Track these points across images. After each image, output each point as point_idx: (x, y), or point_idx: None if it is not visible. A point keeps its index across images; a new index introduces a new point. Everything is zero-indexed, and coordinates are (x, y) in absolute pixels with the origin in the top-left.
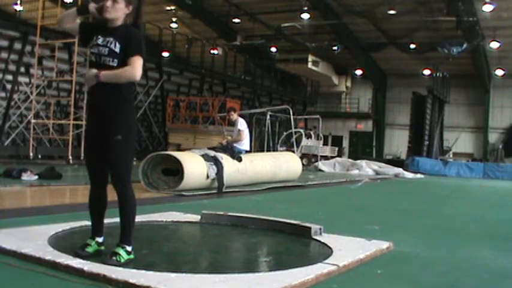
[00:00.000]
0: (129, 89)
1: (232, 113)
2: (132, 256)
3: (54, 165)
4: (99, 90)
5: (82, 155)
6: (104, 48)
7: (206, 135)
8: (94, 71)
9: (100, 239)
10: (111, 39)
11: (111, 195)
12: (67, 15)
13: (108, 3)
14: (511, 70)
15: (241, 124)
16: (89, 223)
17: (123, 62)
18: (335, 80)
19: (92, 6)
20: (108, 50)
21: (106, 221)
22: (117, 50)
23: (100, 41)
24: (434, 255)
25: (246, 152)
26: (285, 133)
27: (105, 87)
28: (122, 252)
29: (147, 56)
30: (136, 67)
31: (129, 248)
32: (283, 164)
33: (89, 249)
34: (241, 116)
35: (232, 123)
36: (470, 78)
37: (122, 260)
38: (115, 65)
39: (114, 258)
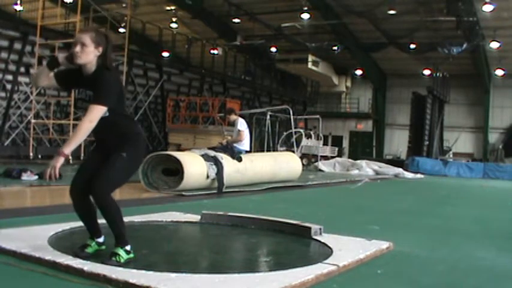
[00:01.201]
0: (129, 126)
1: (228, 116)
2: (132, 255)
3: None
4: (100, 135)
5: (82, 155)
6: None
7: (206, 135)
8: (57, 162)
9: (100, 239)
10: (92, 92)
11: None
12: (39, 74)
13: (77, 49)
14: (511, 70)
15: (241, 124)
16: None
17: (113, 110)
18: (335, 80)
19: (61, 57)
20: None
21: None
22: None
23: (86, 95)
24: (434, 255)
25: (246, 152)
26: (285, 133)
27: (104, 132)
28: (121, 252)
29: (147, 56)
30: (89, 116)
31: (127, 247)
32: (283, 164)
33: (89, 250)
34: (241, 116)
35: (232, 124)
36: (470, 78)
37: (122, 260)
38: (106, 115)
39: (113, 258)
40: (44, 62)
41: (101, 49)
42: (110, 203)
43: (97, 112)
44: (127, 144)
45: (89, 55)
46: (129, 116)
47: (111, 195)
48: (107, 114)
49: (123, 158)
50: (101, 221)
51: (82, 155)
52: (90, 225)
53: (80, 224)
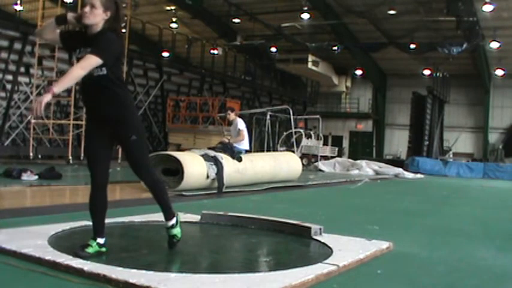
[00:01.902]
0: (124, 94)
1: (230, 112)
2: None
3: (54, 165)
4: (95, 102)
5: (82, 155)
6: None
7: (206, 135)
8: (44, 98)
9: (101, 240)
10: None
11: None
12: (46, 26)
13: (86, 9)
14: (511, 70)
15: (241, 124)
16: (89, 223)
17: (111, 70)
18: (335, 80)
19: (71, 15)
20: None
21: (106, 221)
22: None
23: (83, 53)
24: (434, 255)
25: (246, 151)
26: (285, 133)
27: (100, 99)
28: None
29: (147, 56)
30: (82, 63)
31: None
32: (283, 164)
33: (89, 250)
34: (240, 116)
35: (230, 123)
36: (470, 78)
37: (178, 233)
38: (104, 73)
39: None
40: (52, 19)
41: (109, 13)
42: (159, 180)
43: (91, 61)
44: (127, 125)
45: (96, 17)
46: (124, 83)
47: (157, 174)
48: (104, 71)
49: (136, 140)
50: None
51: (82, 155)
52: (97, 222)
53: (80, 223)
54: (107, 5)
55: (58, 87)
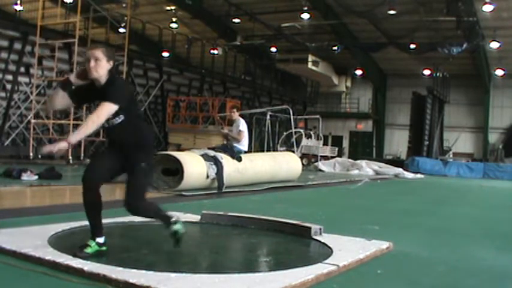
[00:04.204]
0: (146, 136)
1: (235, 111)
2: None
3: (54, 165)
4: (118, 139)
5: (82, 155)
6: None
7: (206, 135)
8: (60, 145)
9: (101, 239)
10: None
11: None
12: (55, 97)
13: (92, 64)
14: (511, 70)
15: (242, 125)
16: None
17: (127, 112)
18: (335, 80)
19: (73, 77)
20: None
21: (106, 221)
22: None
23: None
24: (435, 256)
25: (245, 152)
26: (285, 133)
27: (122, 137)
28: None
29: (147, 56)
30: (98, 111)
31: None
32: (283, 164)
33: (88, 250)
34: (241, 116)
35: (231, 122)
36: (470, 78)
37: (180, 232)
38: (122, 119)
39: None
40: (57, 87)
41: (111, 62)
42: (146, 211)
43: (106, 108)
44: (143, 152)
45: (102, 69)
46: (143, 118)
47: (145, 201)
48: (122, 117)
49: (143, 168)
50: (105, 220)
51: (82, 155)
52: (94, 222)
53: (80, 223)
54: (109, 54)
55: (74, 138)
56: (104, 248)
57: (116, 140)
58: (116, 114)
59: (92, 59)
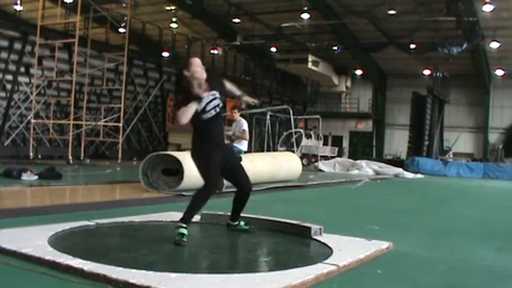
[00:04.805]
0: (198, 137)
1: (236, 111)
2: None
3: (54, 165)
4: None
5: (82, 155)
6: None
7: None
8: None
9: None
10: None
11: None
12: (192, 110)
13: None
14: (511, 70)
15: (245, 125)
16: (89, 223)
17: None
18: (335, 80)
19: (196, 89)
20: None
21: (106, 221)
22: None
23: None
24: (434, 256)
25: (245, 152)
26: (285, 133)
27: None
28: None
29: (147, 56)
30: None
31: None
32: (283, 164)
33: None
34: (241, 116)
35: (231, 122)
36: (470, 78)
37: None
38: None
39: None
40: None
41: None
42: (204, 188)
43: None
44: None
45: (203, 74)
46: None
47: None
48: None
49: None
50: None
51: (82, 155)
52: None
53: (80, 223)
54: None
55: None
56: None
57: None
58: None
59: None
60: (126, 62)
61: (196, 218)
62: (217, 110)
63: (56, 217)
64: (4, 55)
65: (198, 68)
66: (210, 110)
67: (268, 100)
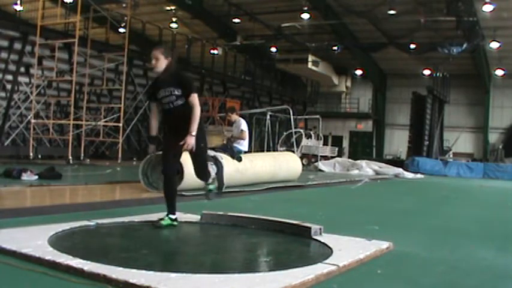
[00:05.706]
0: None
1: (230, 114)
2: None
3: (54, 165)
4: (175, 120)
5: (82, 155)
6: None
7: (206, 135)
8: (190, 141)
9: (173, 216)
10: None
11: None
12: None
13: (153, 62)
14: (511, 70)
15: (244, 125)
16: (89, 223)
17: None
18: (335, 80)
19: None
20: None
21: (106, 221)
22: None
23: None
24: (434, 255)
25: (245, 152)
26: (285, 133)
27: (179, 118)
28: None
29: (147, 56)
30: (196, 102)
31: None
32: (283, 164)
33: (163, 222)
34: (241, 116)
35: (231, 124)
36: (470, 78)
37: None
38: (184, 101)
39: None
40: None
41: (169, 58)
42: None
43: (196, 96)
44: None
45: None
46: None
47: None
48: (184, 101)
49: (202, 147)
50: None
51: (82, 155)
52: (169, 202)
53: (80, 223)
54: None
55: (194, 129)
56: (175, 223)
57: (175, 122)
58: (179, 98)
59: (153, 59)
60: (126, 62)
61: (196, 218)
62: (171, 105)
63: (56, 217)
64: (4, 55)
65: (153, 60)
66: (165, 104)
67: (268, 100)
